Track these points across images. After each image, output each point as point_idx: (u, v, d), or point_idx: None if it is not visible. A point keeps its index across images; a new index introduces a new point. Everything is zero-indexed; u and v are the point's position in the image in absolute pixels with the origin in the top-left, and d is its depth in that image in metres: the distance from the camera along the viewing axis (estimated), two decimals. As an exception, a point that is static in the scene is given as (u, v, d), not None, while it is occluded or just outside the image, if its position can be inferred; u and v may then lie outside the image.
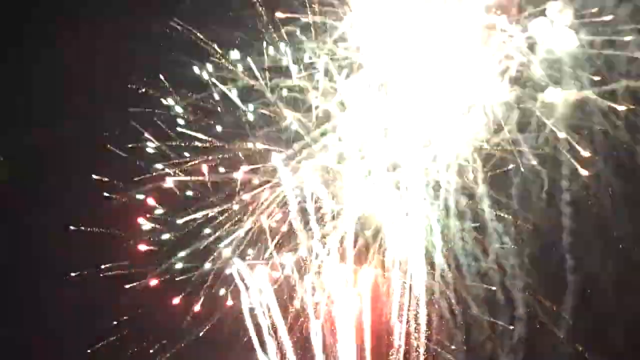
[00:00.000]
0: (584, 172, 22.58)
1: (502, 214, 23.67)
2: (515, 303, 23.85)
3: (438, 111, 23.09)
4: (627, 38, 22.14)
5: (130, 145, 24.25)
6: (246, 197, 23.81)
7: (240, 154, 23.94)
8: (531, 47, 22.73)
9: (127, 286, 24.21)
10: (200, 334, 24.24)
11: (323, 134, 23.50)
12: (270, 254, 23.56)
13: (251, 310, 23.06)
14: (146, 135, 24.21)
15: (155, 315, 24.36)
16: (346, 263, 22.95)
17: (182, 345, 24.32)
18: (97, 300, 25.05)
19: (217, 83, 24.10)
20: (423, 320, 23.31)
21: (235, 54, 23.93)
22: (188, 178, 24.27)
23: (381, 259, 23.42)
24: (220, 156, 23.96)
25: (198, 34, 23.82)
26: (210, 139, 24.20)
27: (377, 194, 23.24)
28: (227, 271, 23.70)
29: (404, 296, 23.16)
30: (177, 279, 24.16)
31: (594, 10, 21.94)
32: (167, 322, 24.56)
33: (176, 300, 24.19)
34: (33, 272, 25.91)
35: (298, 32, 23.66)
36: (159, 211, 24.46)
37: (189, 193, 24.48)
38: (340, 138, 23.43)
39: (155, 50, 24.30)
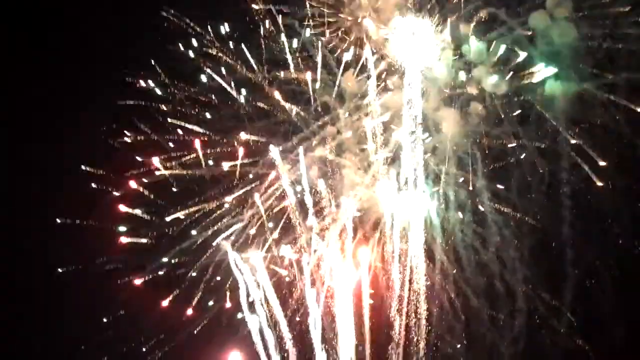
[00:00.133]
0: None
1: (501, 207, 23.57)
2: (515, 296, 23.75)
3: (437, 104, 23.06)
4: (628, 31, 22.08)
5: (126, 139, 24.16)
6: (245, 190, 23.70)
7: (238, 147, 23.87)
8: (531, 40, 22.67)
9: (120, 281, 24.22)
10: (196, 331, 24.25)
11: (322, 127, 23.42)
12: (270, 246, 23.46)
13: (250, 301, 22.97)
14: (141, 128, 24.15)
15: (150, 311, 24.31)
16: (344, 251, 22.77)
17: (180, 339, 24.24)
18: (93, 296, 25.04)
19: (215, 75, 24.00)
20: (423, 313, 23.20)
21: (232, 46, 23.90)
22: (185, 172, 24.24)
23: (380, 251, 23.33)
24: (217, 149, 23.95)
25: (195, 26, 23.78)
26: (207, 131, 24.13)
27: (377, 186, 23.15)
28: (226, 264, 23.56)
29: (403, 289, 23.05)
30: (176, 273, 24.09)
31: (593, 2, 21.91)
32: (164, 318, 24.51)
33: (169, 299, 24.13)
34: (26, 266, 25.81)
35: (296, 25, 23.61)
36: (154, 205, 24.41)
37: (186, 186, 24.44)
38: (339, 130, 23.38)
39: (151, 42, 24.21)
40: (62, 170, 25.14)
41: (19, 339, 25.58)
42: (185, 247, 24.10)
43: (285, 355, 23.39)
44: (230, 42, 23.98)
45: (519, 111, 23.21)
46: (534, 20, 22.54)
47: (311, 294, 22.78)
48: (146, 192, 24.24)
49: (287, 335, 22.86)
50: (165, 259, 24.28)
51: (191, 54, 24.17)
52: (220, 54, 23.91)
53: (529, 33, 22.44)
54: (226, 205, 23.86)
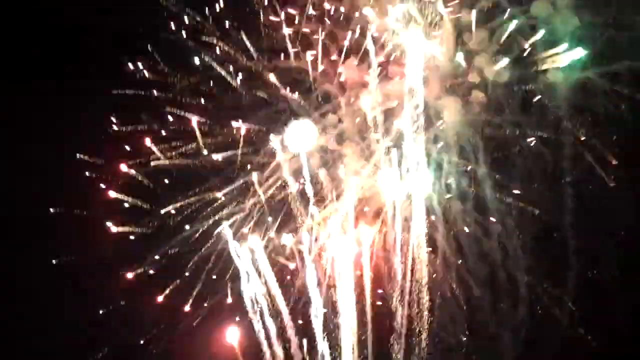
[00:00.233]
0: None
1: (504, 196, 23.48)
2: (517, 285, 23.67)
3: (439, 92, 22.94)
4: (631, 18, 21.93)
5: (127, 128, 24.05)
6: (245, 179, 23.63)
7: (238, 136, 23.79)
8: (533, 28, 22.54)
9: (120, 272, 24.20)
10: (195, 323, 24.23)
11: (323, 115, 23.33)
12: (270, 235, 23.41)
13: (251, 291, 22.89)
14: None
15: (150, 302, 24.24)
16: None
17: (179, 330, 24.18)
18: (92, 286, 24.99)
19: (214, 64, 23.92)
20: (425, 304, 23.13)
21: (232, 34, 23.77)
22: (185, 162, 24.17)
23: (382, 241, 23.25)
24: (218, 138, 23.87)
25: (194, 15, 23.68)
26: (207, 120, 24.02)
27: (378, 175, 23.05)
28: (227, 253, 23.49)
29: (405, 279, 22.99)
30: (177, 263, 24.03)
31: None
32: (163, 309, 24.45)
33: (169, 289, 24.07)
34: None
35: (297, 13, 23.50)
36: (153, 195, 24.34)
37: (186, 176, 24.34)
38: (340, 119, 23.29)
39: (151, 32, 24.10)
40: (57, 159, 24.97)
41: (16, 332, 25.46)
42: (185, 236, 24.03)
43: (287, 345, 23.38)
44: (229, 30, 23.82)
45: (521, 100, 23.09)
46: (536, 8, 22.39)
47: (313, 283, 22.74)
48: (145, 181, 24.16)
49: (288, 324, 22.86)
50: (164, 249, 24.23)
51: (189, 42, 24.03)
52: (219, 42, 23.77)
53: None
54: (219, 196, 23.75)
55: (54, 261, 24.89)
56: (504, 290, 23.87)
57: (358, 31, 23.27)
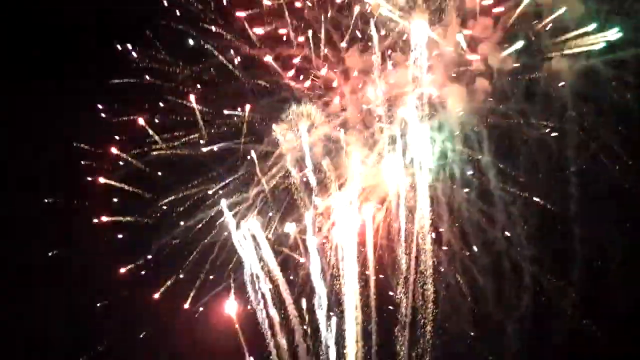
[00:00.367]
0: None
1: (508, 186, 23.36)
2: (521, 275, 23.56)
3: (443, 80, 22.77)
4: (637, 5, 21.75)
5: (130, 117, 23.87)
6: (249, 168, 23.50)
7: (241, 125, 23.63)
8: (538, 15, 22.35)
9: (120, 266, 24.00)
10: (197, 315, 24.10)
11: (326, 104, 23.18)
12: (274, 224, 23.28)
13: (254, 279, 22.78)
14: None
15: (151, 294, 24.16)
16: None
17: (180, 322, 24.06)
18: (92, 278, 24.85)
19: (217, 53, 23.74)
20: (430, 295, 23.01)
21: (235, 23, 23.60)
22: (188, 151, 24.01)
23: (386, 230, 23.11)
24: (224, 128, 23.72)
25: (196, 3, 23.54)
26: (210, 110, 23.86)
27: (382, 164, 22.89)
28: (230, 245, 23.35)
29: (409, 269, 22.87)
30: (179, 253, 23.92)
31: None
32: (165, 299, 24.32)
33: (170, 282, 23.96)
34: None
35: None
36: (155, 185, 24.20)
37: (189, 166, 24.19)
38: (344, 107, 23.13)
39: (153, 19, 23.91)
40: (57, 148, 24.79)
41: (12, 326, 25.29)
42: (189, 226, 23.90)
43: (290, 337, 23.28)
44: (231, 17, 23.64)
45: (525, 88, 22.93)
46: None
47: (317, 273, 22.63)
48: (147, 170, 24.03)
49: (292, 313, 22.73)
50: (166, 239, 24.08)
51: (190, 30, 23.86)
52: (221, 30, 23.58)
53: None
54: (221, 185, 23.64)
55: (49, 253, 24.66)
56: (509, 280, 23.75)
57: (362, 19, 23.05)
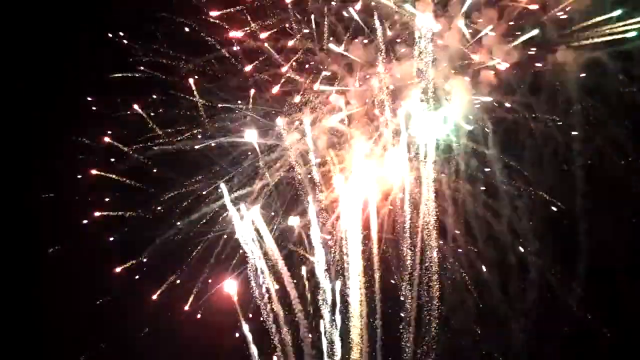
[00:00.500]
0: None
1: (513, 179, 23.22)
2: (527, 269, 23.43)
3: (448, 73, 22.64)
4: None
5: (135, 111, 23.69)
6: (253, 161, 23.38)
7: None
8: (543, 7, 22.19)
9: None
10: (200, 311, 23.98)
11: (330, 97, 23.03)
12: (278, 217, 23.16)
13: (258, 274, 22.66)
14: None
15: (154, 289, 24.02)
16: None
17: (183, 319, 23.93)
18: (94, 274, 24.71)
19: (219, 46, 23.60)
20: (435, 292, 22.88)
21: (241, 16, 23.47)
22: (192, 144, 23.88)
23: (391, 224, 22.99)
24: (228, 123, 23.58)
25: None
26: (214, 103, 23.73)
27: (387, 157, 22.74)
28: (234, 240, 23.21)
29: (414, 264, 22.73)
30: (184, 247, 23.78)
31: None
32: (170, 293, 24.15)
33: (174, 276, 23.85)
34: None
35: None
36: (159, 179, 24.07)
37: (192, 160, 24.08)
38: (348, 100, 22.99)
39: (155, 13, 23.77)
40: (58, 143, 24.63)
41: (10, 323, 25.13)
42: (193, 220, 23.74)
43: (295, 331, 23.18)
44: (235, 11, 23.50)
45: (531, 81, 22.79)
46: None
47: (321, 267, 22.52)
48: (150, 164, 23.93)
49: (297, 307, 22.62)
50: (169, 234, 23.95)
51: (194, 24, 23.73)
52: (225, 24, 23.46)
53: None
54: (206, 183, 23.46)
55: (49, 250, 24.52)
56: (514, 275, 23.63)
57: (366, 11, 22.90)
